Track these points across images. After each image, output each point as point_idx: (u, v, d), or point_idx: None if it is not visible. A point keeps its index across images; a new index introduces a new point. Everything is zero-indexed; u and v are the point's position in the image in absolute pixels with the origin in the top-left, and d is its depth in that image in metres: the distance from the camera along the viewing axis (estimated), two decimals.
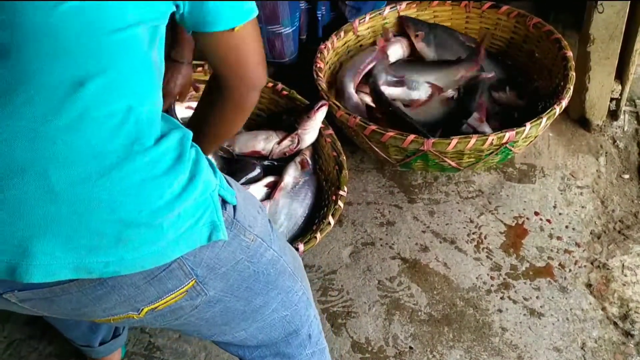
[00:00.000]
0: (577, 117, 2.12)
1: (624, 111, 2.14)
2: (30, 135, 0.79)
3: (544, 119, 1.71)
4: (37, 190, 0.80)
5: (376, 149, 1.81)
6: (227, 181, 0.99)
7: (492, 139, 1.67)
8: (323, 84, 1.89)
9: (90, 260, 0.82)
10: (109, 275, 0.84)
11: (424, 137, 1.68)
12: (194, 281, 0.91)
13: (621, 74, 2.01)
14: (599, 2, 1.76)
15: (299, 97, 1.86)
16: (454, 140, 1.67)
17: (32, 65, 0.78)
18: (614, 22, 1.81)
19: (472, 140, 1.67)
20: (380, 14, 2.13)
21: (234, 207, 0.96)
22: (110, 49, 0.81)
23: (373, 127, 1.72)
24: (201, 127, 1.09)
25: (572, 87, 1.81)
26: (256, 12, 0.93)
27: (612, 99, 2.07)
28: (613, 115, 2.13)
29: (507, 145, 1.73)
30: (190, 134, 0.94)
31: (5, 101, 0.79)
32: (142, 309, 0.91)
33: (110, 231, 0.83)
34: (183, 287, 0.91)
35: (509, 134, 1.68)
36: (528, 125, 1.69)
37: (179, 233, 0.86)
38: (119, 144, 0.83)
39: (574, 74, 1.85)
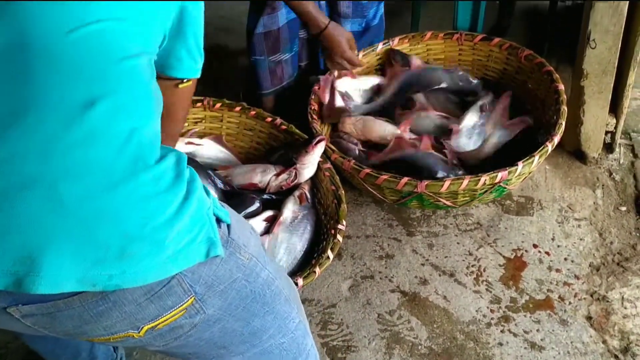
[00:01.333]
0: (573, 150, 2.14)
1: (619, 144, 2.17)
2: (41, 151, 0.83)
3: (536, 157, 1.73)
4: (46, 203, 0.83)
5: (372, 190, 1.83)
6: (220, 203, 1.03)
7: (485, 179, 1.68)
8: (318, 126, 1.92)
9: (94, 273, 0.84)
10: (111, 288, 0.86)
11: (417, 180, 1.70)
12: (192, 298, 0.93)
13: (615, 108, 2.04)
14: (591, 39, 1.80)
15: (298, 131, 1.88)
16: (447, 182, 1.68)
17: (44, 86, 0.83)
18: (607, 57, 1.85)
19: (465, 182, 1.68)
20: (373, 50, 2.17)
21: (228, 226, 0.99)
22: (117, 75, 0.87)
23: (367, 170, 1.74)
24: None
25: (564, 122, 1.83)
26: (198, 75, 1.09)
27: (607, 132, 2.10)
28: (608, 148, 2.15)
29: (501, 183, 1.74)
30: (185, 156, 0.99)
31: (18, 119, 0.83)
32: (142, 327, 0.93)
33: (115, 244, 0.85)
34: (182, 305, 0.93)
35: (501, 174, 1.69)
36: (520, 164, 1.70)
37: (178, 248, 0.89)
38: (124, 161, 0.87)
39: (566, 108, 1.87)
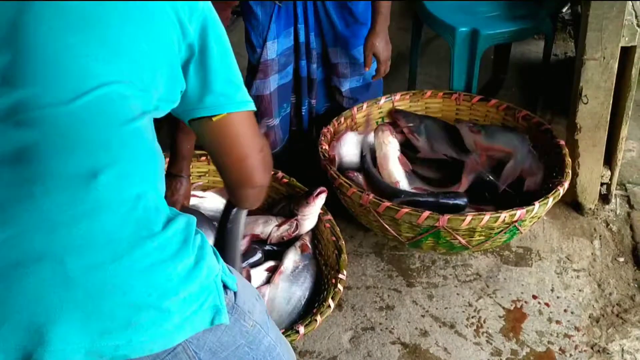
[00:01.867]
0: (569, 201, 2.17)
1: (615, 195, 2.20)
2: (48, 225, 0.84)
3: (550, 199, 1.80)
4: (53, 277, 0.84)
5: (387, 227, 1.85)
6: (228, 268, 1.03)
7: (505, 217, 1.74)
8: (329, 164, 1.96)
9: (102, 344, 0.84)
10: (119, 359, 0.86)
11: (438, 214, 1.74)
12: None
13: (610, 160, 2.09)
14: (583, 95, 1.86)
15: (299, 184, 1.92)
16: (469, 217, 1.73)
17: (50, 159, 0.84)
18: (599, 112, 1.90)
19: (486, 217, 1.73)
20: (376, 103, 2.24)
21: (235, 292, 0.99)
22: (120, 141, 0.88)
23: (387, 203, 1.77)
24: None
25: (570, 172, 1.90)
26: (246, 105, 1.01)
27: (602, 184, 2.14)
28: (605, 199, 2.18)
29: (516, 224, 1.79)
30: (194, 219, 0.98)
31: (25, 193, 0.84)
32: None
33: (121, 314, 0.86)
34: None
35: (519, 212, 1.75)
36: (537, 204, 1.77)
37: (184, 316, 0.89)
38: (129, 231, 0.88)
39: (570, 160, 1.94)
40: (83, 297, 0.84)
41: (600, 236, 2.10)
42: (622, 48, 1.82)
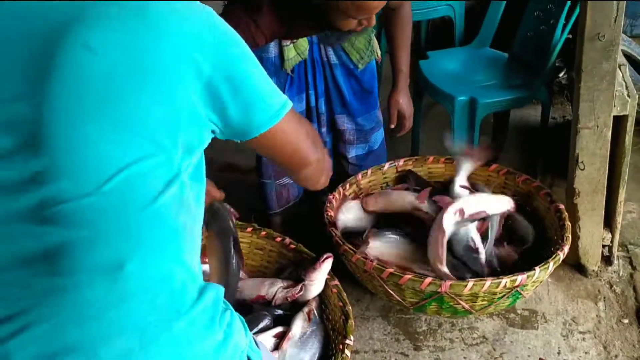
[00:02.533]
0: (573, 263, 2.21)
1: (617, 256, 2.24)
2: (79, 319, 0.86)
3: (551, 264, 1.82)
4: None
5: (391, 292, 1.89)
6: (255, 341, 1.04)
7: (506, 282, 1.76)
8: (335, 230, 2.02)
9: None
10: None
11: (440, 280, 1.77)
12: None
13: (610, 223, 2.13)
14: (579, 161, 1.93)
15: (306, 250, 1.97)
16: (470, 283, 1.76)
17: (77, 254, 0.85)
18: (596, 178, 1.96)
19: (487, 283, 1.75)
20: (380, 169, 2.31)
21: None
22: (142, 225, 0.87)
23: (390, 269, 1.81)
24: None
25: (570, 236, 1.94)
26: (285, 108, 1.01)
27: (604, 246, 2.18)
28: (607, 260, 2.22)
29: (518, 288, 1.81)
30: (222, 291, 0.98)
31: (57, 287, 0.86)
32: None
33: None
34: None
35: (520, 277, 1.77)
36: (537, 269, 1.80)
37: None
38: (157, 315, 0.89)
39: (570, 223, 1.98)
40: None
41: (604, 298, 2.13)
42: (615, 117, 1.90)
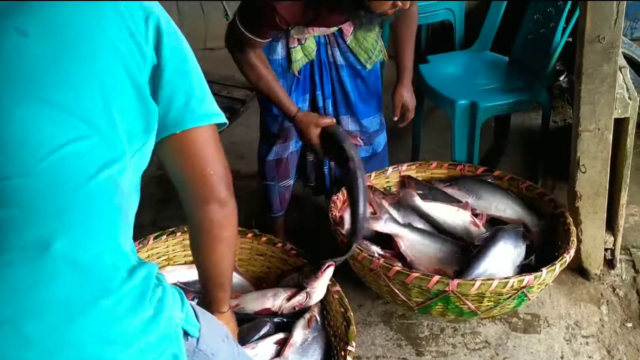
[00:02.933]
0: (575, 267, 2.19)
1: (620, 260, 2.23)
2: (7, 295, 0.88)
3: (557, 265, 1.83)
4: (12, 341, 0.88)
5: (397, 291, 1.87)
6: (195, 312, 1.05)
7: (513, 282, 1.76)
8: (340, 229, 2.01)
9: None
10: None
11: (448, 278, 1.77)
12: None
13: (612, 226, 2.12)
14: (581, 164, 1.92)
15: (307, 256, 1.96)
16: (478, 282, 1.75)
17: (7, 232, 0.87)
18: (597, 181, 1.96)
19: (495, 283, 1.76)
20: (383, 173, 2.31)
21: (197, 338, 1.03)
22: (75, 205, 0.89)
23: (397, 267, 1.81)
24: (200, 272, 1.18)
25: (575, 239, 1.94)
26: (219, 119, 1.00)
27: (606, 249, 2.17)
28: (610, 264, 2.21)
29: (524, 290, 1.81)
30: (155, 269, 0.99)
31: None
32: None
33: None
34: None
35: (527, 278, 1.78)
36: (544, 270, 1.80)
37: None
38: (84, 292, 0.91)
39: (574, 228, 1.98)
40: (40, 357, 0.88)
41: (607, 301, 2.11)
42: (616, 119, 1.90)
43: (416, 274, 1.78)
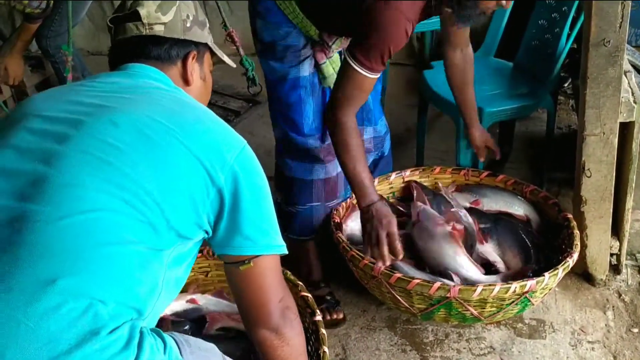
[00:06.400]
0: (580, 272, 2.19)
1: (626, 265, 2.22)
2: (2, 319, 0.90)
3: (560, 270, 1.82)
4: None
5: (399, 298, 1.86)
6: (180, 349, 1.08)
7: (515, 287, 1.75)
8: (342, 236, 2.00)
9: None
10: None
11: (450, 285, 1.76)
12: None
13: (617, 231, 2.12)
14: (586, 168, 1.92)
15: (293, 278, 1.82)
16: (480, 288, 1.74)
17: (21, 261, 0.93)
18: (603, 185, 1.95)
19: (496, 288, 1.74)
20: (387, 178, 2.31)
21: None
22: (92, 257, 0.97)
23: (398, 274, 1.79)
24: None
25: (579, 244, 1.93)
26: (270, 251, 1.15)
27: (612, 254, 2.16)
28: (615, 269, 2.20)
29: (527, 295, 1.80)
30: (139, 322, 1.02)
31: None
32: None
33: None
34: None
35: (530, 283, 1.76)
36: (547, 275, 1.79)
37: None
38: (74, 333, 0.93)
39: (578, 231, 1.98)
40: None
41: (613, 307, 2.10)
42: (621, 123, 1.89)
43: (417, 280, 1.77)
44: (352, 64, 1.71)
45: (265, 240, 1.12)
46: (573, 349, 1.96)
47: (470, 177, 2.32)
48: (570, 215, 2.04)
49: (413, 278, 1.79)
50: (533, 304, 1.92)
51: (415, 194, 2.22)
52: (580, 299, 2.14)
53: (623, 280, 2.19)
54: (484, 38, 2.82)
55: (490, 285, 1.76)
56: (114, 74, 1.22)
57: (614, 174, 1.95)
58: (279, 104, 2.04)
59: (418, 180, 2.35)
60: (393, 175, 2.32)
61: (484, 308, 1.83)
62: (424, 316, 1.93)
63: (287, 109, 2.01)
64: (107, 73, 1.25)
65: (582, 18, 2.24)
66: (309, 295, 1.73)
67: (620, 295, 2.14)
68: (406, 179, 2.33)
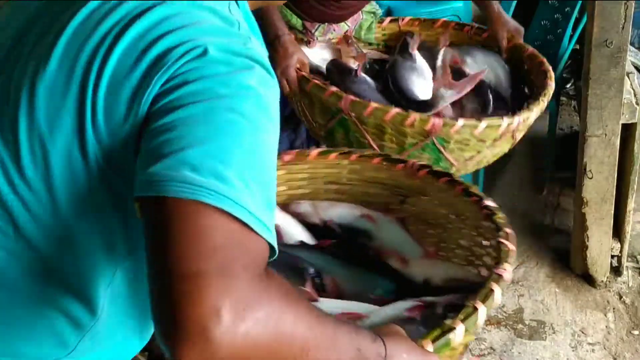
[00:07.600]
0: (581, 273, 2.18)
1: (627, 267, 2.21)
2: None
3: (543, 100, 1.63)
4: None
5: (307, 113, 1.64)
6: None
7: (415, 118, 1.41)
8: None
9: None
10: None
11: (343, 92, 1.48)
12: None
13: (619, 233, 2.11)
14: (587, 170, 1.92)
15: None
16: (373, 104, 1.44)
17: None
18: (604, 187, 1.95)
19: (392, 112, 1.42)
20: (380, 23, 2.05)
21: None
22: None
23: (316, 81, 1.56)
24: None
25: (552, 81, 1.70)
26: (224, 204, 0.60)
27: (613, 256, 2.16)
28: (616, 271, 2.19)
29: (434, 138, 1.44)
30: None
31: None
32: None
33: None
34: None
35: (434, 120, 1.39)
36: (461, 120, 1.44)
37: None
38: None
39: (552, 72, 1.75)
40: None
41: (613, 309, 2.10)
42: (623, 125, 1.89)
43: (315, 81, 1.54)
44: None
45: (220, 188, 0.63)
46: (573, 351, 1.96)
47: (473, 35, 2.07)
48: (542, 59, 1.83)
49: (313, 79, 1.57)
50: (453, 165, 1.54)
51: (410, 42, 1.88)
52: (581, 300, 2.14)
53: (624, 282, 2.19)
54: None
55: (385, 106, 1.48)
56: None
57: (616, 176, 1.95)
58: None
59: (417, 32, 1.99)
60: (387, 20, 2.06)
61: (383, 138, 1.50)
62: (326, 137, 1.64)
63: None
64: None
65: (584, 19, 2.24)
66: None
67: (621, 297, 2.14)
68: (402, 28, 2.04)
